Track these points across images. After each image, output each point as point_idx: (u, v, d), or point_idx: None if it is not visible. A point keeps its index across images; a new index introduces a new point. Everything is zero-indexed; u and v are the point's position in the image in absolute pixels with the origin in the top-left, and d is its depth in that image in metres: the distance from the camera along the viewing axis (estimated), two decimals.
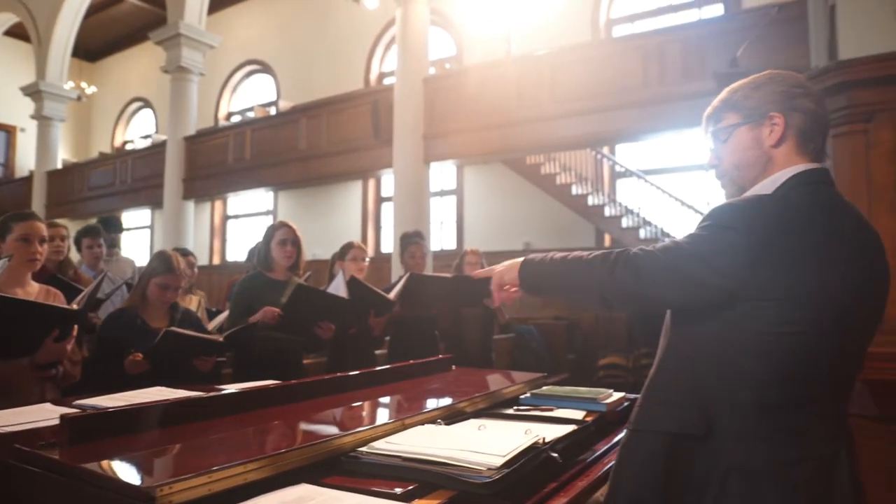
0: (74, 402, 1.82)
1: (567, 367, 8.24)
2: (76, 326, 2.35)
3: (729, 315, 1.20)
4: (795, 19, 5.54)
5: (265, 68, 13.63)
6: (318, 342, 3.33)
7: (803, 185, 1.25)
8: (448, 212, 11.06)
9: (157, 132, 14.53)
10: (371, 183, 11.74)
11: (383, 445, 1.34)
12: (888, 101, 2.44)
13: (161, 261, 2.86)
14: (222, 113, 14.11)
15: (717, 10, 8.89)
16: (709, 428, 1.19)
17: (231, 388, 1.99)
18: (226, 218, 14.12)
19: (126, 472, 1.08)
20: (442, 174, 10.87)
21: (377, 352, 4.11)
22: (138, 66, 15.92)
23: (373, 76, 11.96)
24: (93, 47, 16.22)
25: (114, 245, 4.94)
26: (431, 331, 4.11)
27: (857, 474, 1.27)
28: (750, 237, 1.16)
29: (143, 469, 1.14)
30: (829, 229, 1.20)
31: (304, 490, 1.15)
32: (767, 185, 1.28)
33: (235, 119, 13.75)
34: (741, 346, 1.19)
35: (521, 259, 1.42)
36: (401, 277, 3.84)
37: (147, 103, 16.03)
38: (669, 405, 1.26)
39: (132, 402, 1.64)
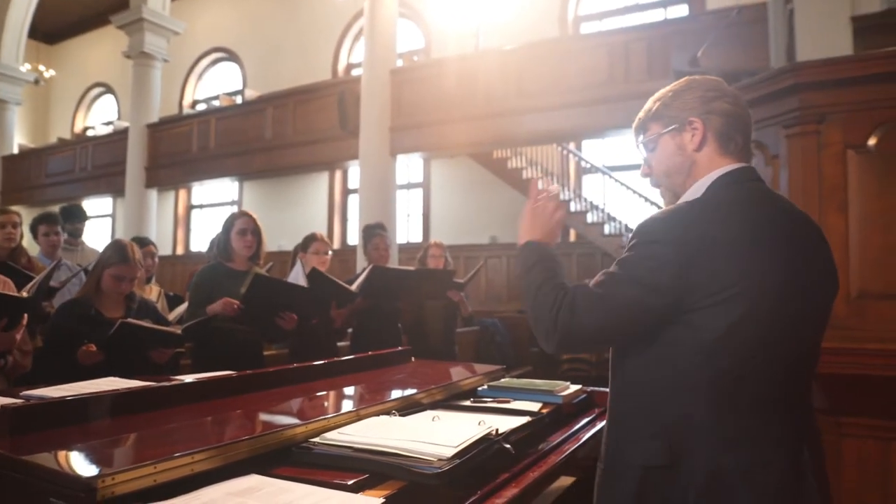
0: (22, 393, 1.78)
1: (531, 361, 8.30)
2: (26, 315, 2.29)
3: (670, 333, 1.20)
4: (757, 22, 5.65)
5: (231, 56, 13.41)
6: (281, 333, 3.30)
7: (726, 186, 1.27)
8: (415, 204, 11.05)
9: (119, 119, 14.20)
10: (338, 174, 11.66)
11: (336, 436, 1.34)
12: (839, 104, 2.51)
13: (115, 250, 2.79)
14: (187, 101, 13.85)
15: (683, 10, 9.02)
16: (675, 454, 1.18)
17: (186, 379, 1.97)
18: (190, 207, 13.90)
19: (67, 464, 1.06)
20: (409, 167, 10.85)
21: (340, 343, 4.09)
22: (99, 50, 15.50)
23: (341, 67, 11.86)
24: (51, 29, 15.72)
25: (77, 234, 4.81)
26: (395, 323, 4.11)
27: (823, 472, 1.30)
28: (674, 247, 1.17)
29: (85, 460, 1.12)
30: (750, 224, 1.21)
31: (253, 481, 1.14)
32: (696, 192, 1.30)
33: (201, 107, 13.51)
34: (688, 362, 1.19)
35: (525, 241, 1.42)
36: (364, 269, 3.83)
37: (109, 89, 15.63)
38: (633, 439, 1.25)
39: (81, 392, 1.61)
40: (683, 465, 1.18)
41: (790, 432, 1.21)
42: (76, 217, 4.83)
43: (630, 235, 1.27)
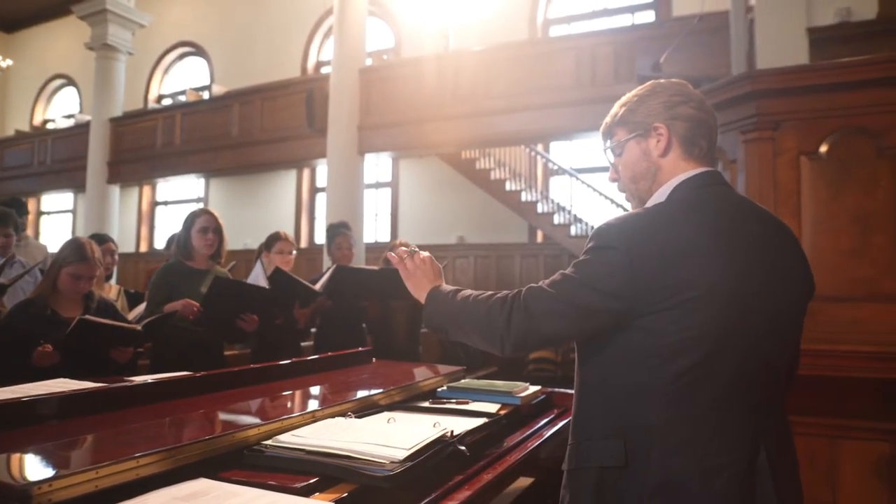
0: None
1: (497, 362, 8.33)
2: None
3: (626, 337, 1.21)
4: (719, 30, 5.76)
5: (199, 51, 13.20)
6: (242, 334, 3.26)
7: (687, 191, 1.28)
8: (383, 204, 11.01)
9: (80, 112, 13.87)
10: (306, 173, 11.57)
11: (289, 438, 1.33)
12: (793, 112, 2.57)
13: (73, 249, 2.72)
14: (153, 95, 13.58)
15: (649, 16, 9.15)
16: (630, 455, 1.20)
17: (140, 380, 1.93)
18: (154, 204, 13.65)
19: (3, 470, 1.03)
20: (377, 166, 10.81)
21: (303, 343, 4.06)
22: (61, 40, 15.08)
23: (310, 64, 11.76)
24: (9, 17, 15.26)
25: (20, 229, 4.67)
26: (359, 323, 4.09)
27: (796, 475, 1.29)
28: (629, 254, 1.18)
29: (24, 466, 1.08)
30: (707, 229, 1.21)
31: (200, 485, 1.12)
32: (659, 197, 1.31)
33: (166, 102, 13.28)
34: (643, 366, 1.20)
35: (428, 290, 1.44)
36: (328, 269, 3.81)
37: (70, 81, 15.22)
38: (592, 440, 1.26)
39: (28, 394, 1.57)
40: (639, 466, 1.18)
41: (746, 435, 1.20)
42: (17, 211, 4.69)
43: (588, 238, 1.27)
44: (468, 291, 1.37)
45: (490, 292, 1.33)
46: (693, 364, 1.17)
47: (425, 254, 1.55)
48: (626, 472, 1.20)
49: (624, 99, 1.39)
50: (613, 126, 1.39)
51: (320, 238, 11.07)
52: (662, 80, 1.38)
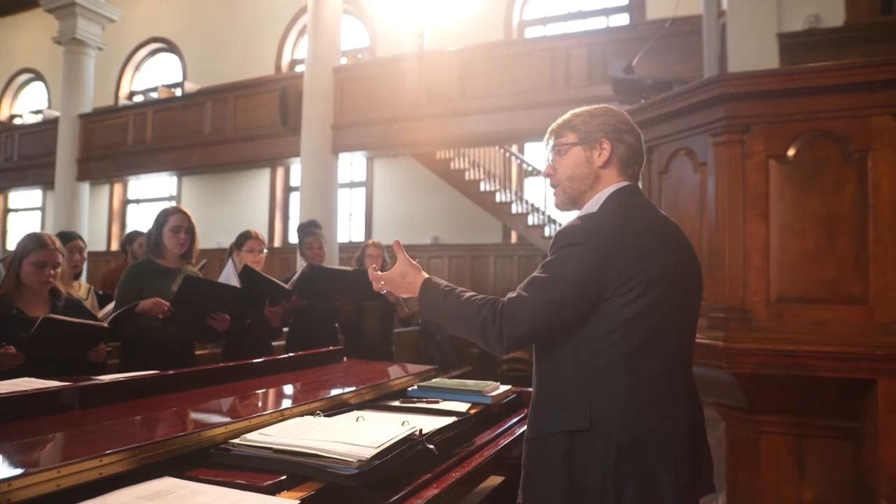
0: None
1: (471, 361, 8.36)
2: None
3: (590, 320, 1.40)
4: (692, 33, 5.84)
5: (171, 47, 13.02)
6: (213, 334, 3.22)
7: (620, 199, 1.50)
8: (357, 204, 10.97)
9: (49, 107, 13.59)
10: (280, 172, 11.48)
11: (256, 437, 1.32)
12: (762, 115, 2.61)
13: (31, 239, 2.67)
14: (123, 91, 13.36)
15: (624, 19, 9.24)
16: (595, 420, 1.37)
17: (107, 378, 1.90)
18: (126, 202, 13.44)
19: None
20: (352, 166, 10.76)
21: (275, 343, 4.02)
22: (27, 33, 14.74)
23: (285, 62, 11.67)
24: None
25: None
26: (331, 323, 4.07)
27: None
28: (593, 249, 1.38)
29: None
30: (645, 230, 1.46)
31: (165, 483, 1.11)
32: (596, 202, 1.52)
33: (138, 99, 13.07)
34: (606, 342, 1.40)
35: (422, 280, 1.56)
36: (304, 269, 3.78)
37: (38, 75, 14.90)
38: (558, 410, 1.43)
39: None
40: (604, 428, 1.36)
41: (688, 397, 1.47)
42: None
43: (552, 242, 1.46)
44: (455, 292, 1.51)
45: (473, 295, 1.48)
46: (645, 338, 1.39)
47: (399, 256, 1.63)
48: (590, 435, 1.37)
49: (578, 110, 1.58)
50: (564, 128, 1.57)
51: (294, 237, 10.97)
52: (614, 107, 1.60)
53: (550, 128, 1.60)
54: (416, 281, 1.57)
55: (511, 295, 1.43)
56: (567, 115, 1.58)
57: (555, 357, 1.47)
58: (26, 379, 1.98)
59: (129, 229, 13.00)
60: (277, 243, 11.30)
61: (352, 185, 10.92)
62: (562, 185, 1.57)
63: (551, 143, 1.59)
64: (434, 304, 1.52)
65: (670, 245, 1.49)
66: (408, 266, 1.59)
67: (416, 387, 2.07)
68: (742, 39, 4.29)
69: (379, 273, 1.64)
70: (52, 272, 2.67)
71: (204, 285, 3.09)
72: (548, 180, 1.62)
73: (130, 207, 13.47)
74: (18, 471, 0.96)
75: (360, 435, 1.32)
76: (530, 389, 2.27)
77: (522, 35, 9.93)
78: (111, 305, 3.64)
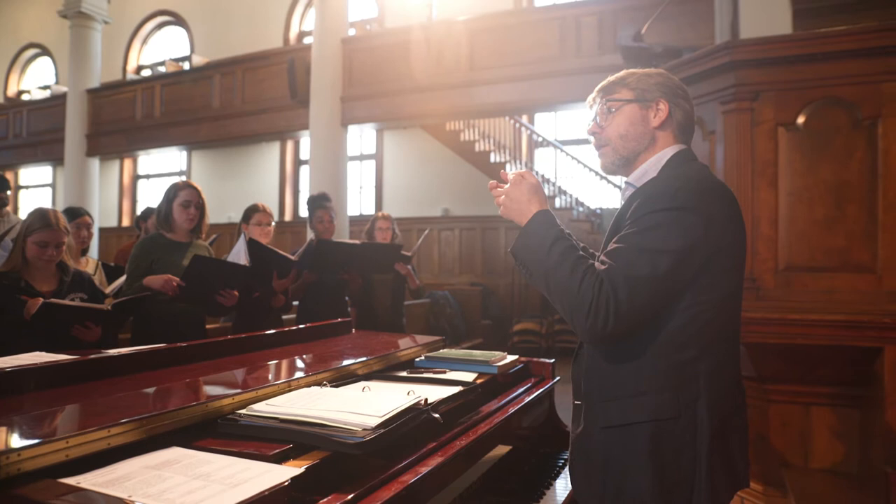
0: None
1: (482, 333, 8.40)
2: None
3: (684, 295, 1.28)
4: None
5: (178, 20, 12.94)
6: (223, 309, 3.25)
7: (683, 162, 1.41)
8: (367, 176, 10.96)
9: (57, 83, 13.59)
10: (289, 145, 11.46)
11: (263, 407, 1.33)
12: (772, 82, 2.58)
13: (36, 217, 2.70)
14: (131, 66, 13.33)
15: None
16: (682, 405, 1.28)
17: (116, 352, 1.93)
18: (136, 177, 13.49)
19: None
20: (362, 138, 10.73)
21: (285, 317, 4.06)
22: (33, 8, 14.69)
23: (292, 34, 11.58)
24: None
25: (2, 204, 4.62)
26: (341, 297, 4.09)
27: None
28: (700, 214, 1.27)
29: None
30: (728, 199, 1.36)
31: (172, 453, 1.13)
32: (653, 165, 1.43)
33: (146, 73, 13.04)
34: (701, 320, 1.29)
35: (534, 212, 1.37)
36: (310, 242, 3.80)
37: (45, 50, 14.88)
38: (638, 396, 1.31)
39: (1, 367, 1.56)
40: (690, 413, 1.28)
41: (740, 375, 1.44)
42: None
43: (641, 201, 1.31)
44: (563, 250, 1.31)
45: (579, 259, 1.29)
46: (733, 315, 1.36)
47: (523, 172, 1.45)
48: (678, 422, 1.28)
49: (632, 70, 1.50)
50: (617, 85, 1.47)
51: (305, 211, 11.02)
52: (668, 73, 1.50)
53: (599, 86, 1.49)
54: (530, 211, 1.37)
55: (610, 271, 1.24)
56: (620, 74, 1.48)
57: (632, 341, 1.32)
58: (37, 353, 2.02)
59: (139, 205, 13.11)
60: (288, 217, 11.33)
61: (362, 157, 10.89)
62: (613, 143, 1.45)
63: (599, 100, 1.47)
64: (531, 245, 1.34)
65: (740, 216, 1.38)
66: (539, 193, 1.41)
67: (423, 357, 2.08)
68: (755, 5, 4.19)
69: (501, 188, 1.44)
70: (53, 252, 2.71)
71: (212, 264, 3.11)
72: (591, 139, 1.48)
73: (141, 183, 13.52)
74: (28, 441, 0.99)
75: (366, 404, 1.33)
76: (538, 360, 2.28)
77: (532, 3, 9.77)
78: (121, 280, 3.68)
